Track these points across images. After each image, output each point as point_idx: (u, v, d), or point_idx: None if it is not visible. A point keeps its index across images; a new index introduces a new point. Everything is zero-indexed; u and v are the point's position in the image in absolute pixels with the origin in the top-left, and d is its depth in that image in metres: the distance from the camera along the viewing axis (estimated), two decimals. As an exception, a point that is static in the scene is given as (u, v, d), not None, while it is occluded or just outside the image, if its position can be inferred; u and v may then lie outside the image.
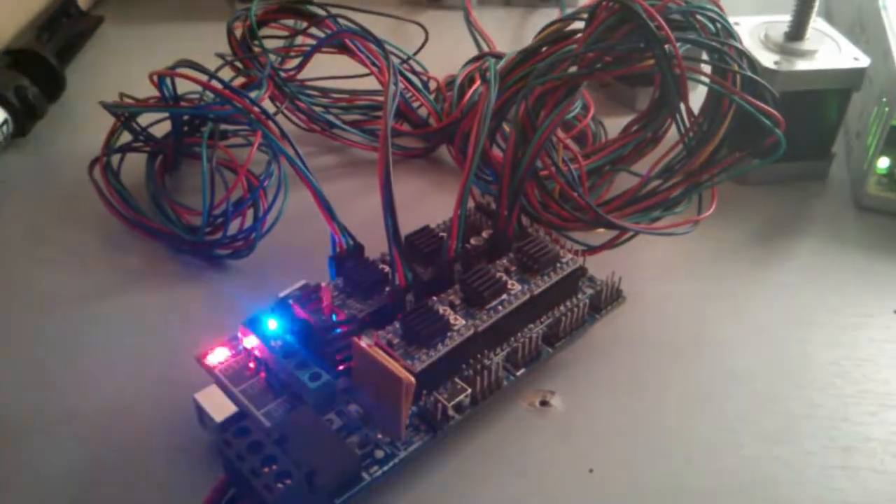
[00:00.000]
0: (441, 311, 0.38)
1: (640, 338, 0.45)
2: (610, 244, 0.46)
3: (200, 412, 0.38)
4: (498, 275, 0.40)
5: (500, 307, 0.39)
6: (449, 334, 0.37)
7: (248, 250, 0.49)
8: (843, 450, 0.40)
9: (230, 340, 0.40)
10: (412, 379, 0.33)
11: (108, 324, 0.45)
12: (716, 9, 0.43)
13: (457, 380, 0.38)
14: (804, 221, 0.54)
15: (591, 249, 0.45)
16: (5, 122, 0.56)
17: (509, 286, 0.40)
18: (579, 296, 0.43)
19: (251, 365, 0.39)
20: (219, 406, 0.38)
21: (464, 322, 0.38)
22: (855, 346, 0.45)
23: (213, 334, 0.40)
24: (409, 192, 0.55)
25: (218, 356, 0.39)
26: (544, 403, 0.42)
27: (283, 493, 0.31)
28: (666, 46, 0.41)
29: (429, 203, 0.53)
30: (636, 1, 0.40)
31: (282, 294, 0.39)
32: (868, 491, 0.38)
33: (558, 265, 0.42)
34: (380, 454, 0.35)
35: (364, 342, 0.37)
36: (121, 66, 0.68)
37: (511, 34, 0.74)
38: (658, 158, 0.46)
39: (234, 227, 0.48)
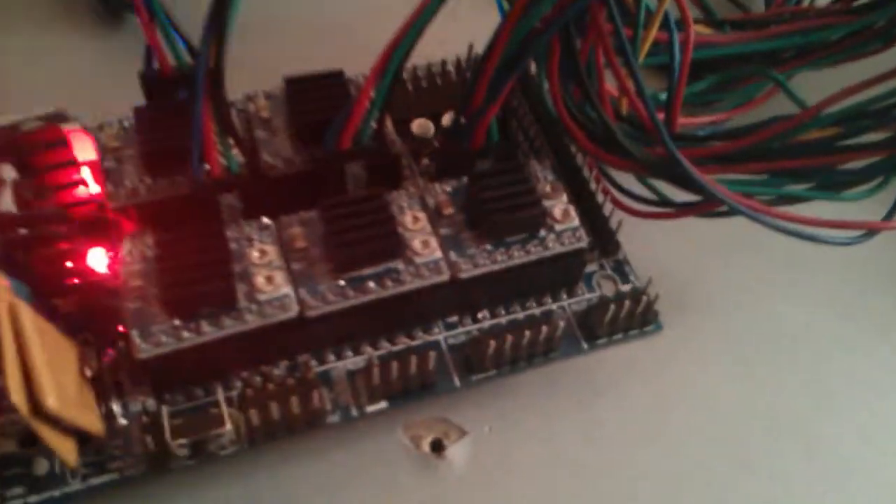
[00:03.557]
0: (247, 252, 0.19)
1: (657, 391, 0.24)
2: (680, 213, 0.24)
3: None
4: (405, 216, 0.20)
5: (375, 283, 0.20)
6: (242, 307, 0.19)
7: None
8: None
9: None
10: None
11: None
12: None
13: (220, 395, 0.19)
14: None
15: (642, 211, 0.24)
16: None
17: (416, 246, 0.20)
18: (564, 301, 0.22)
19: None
20: None
21: (286, 291, 0.19)
22: None
23: None
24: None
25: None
26: (437, 447, 0.23)
27: None
28: None
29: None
30: None
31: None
32: None
33: (543, 234, 0.21)
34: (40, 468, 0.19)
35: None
36: None
37: None
38: (851, 87, 0.22)
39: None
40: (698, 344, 0.25)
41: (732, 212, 0.23)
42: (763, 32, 0.27)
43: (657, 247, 0.25)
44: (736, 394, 0.24)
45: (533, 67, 0.26)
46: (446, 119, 0.24)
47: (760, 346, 0.25)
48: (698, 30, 0.29)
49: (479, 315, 0.22)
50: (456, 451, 0.23)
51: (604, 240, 0.23)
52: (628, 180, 0.24)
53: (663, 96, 0.25)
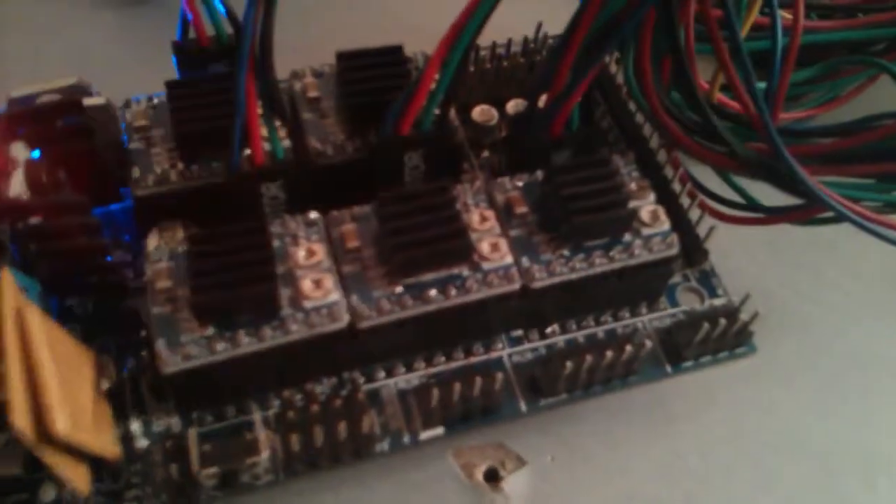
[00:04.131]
0: (291, 251, 0.17)
1: (742, 420, 0.21)
2: (773, 219, 0.21)
3: None
4: (472, 214, 0.18)
5: (437, 291, 0.17)
6: (285, 315, 0.16)
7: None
8: None
9: None
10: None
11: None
12: None
13: (256, 417, 0.17)
14: None
15: (729, 215, 0.21)
16: None
17: (484, 249, 0.18)
18: (644, 317, 0.19)
19: None
20: None
21: (335, 297, 0.17)
22: None
23: None
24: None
25: None
26: (492, 477, 0.20)
27: None
28: None
29: None
30: None
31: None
32: None
33: (629, 239, 0.18)
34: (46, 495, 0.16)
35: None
36: None
37: None
38: None
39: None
40: (788, 370, 0.22)
41: (836, 219, 0.20)
42: (857, 21, 0.24)
43: (742, 256, 0.23)
44: (828, 428, 0.21)
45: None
46: (515, 105, 0.21)
47: (857, 374, 0.22)
48: (784, 15, 0.26)
49: (548, 330, 0.19)
50: (513, 483, 0.20)
51: (689, 247, 0.20)
52: (711, 181, 0.22)
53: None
